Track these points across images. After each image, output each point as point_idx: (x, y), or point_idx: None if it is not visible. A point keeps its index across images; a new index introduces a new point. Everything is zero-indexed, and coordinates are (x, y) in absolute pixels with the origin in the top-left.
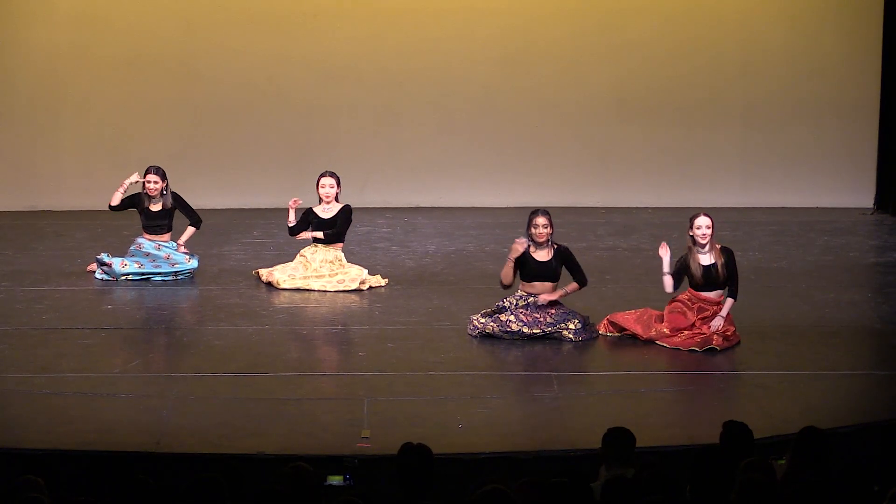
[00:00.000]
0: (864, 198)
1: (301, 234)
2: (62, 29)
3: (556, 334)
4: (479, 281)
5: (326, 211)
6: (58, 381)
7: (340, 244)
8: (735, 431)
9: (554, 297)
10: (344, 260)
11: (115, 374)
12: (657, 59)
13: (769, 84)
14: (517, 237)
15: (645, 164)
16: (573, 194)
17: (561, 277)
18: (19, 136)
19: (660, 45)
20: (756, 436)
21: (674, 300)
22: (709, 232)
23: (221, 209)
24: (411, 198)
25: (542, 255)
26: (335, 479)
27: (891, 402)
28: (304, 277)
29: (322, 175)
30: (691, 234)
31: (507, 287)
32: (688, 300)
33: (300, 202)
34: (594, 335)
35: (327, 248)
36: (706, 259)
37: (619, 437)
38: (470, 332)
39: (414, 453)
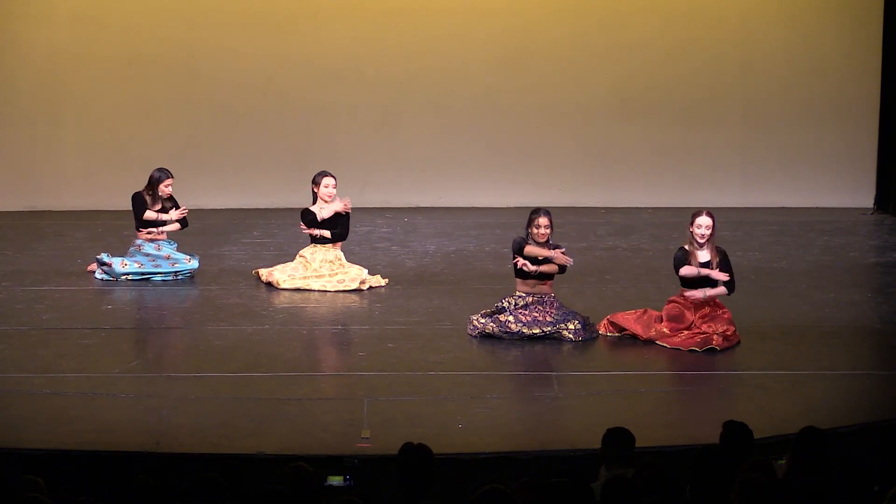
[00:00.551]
0: (864, 198)
1: (311, 230)
2: (62, 29)
3: (556, 334)
4: (479, 281)
5: (324, 210)
6: (58, 381)
7: (340, 244)
8: (735, 431)
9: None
10: (344, 260)
11: (115, 374)
12: (657, 59)
13: (769, 84)
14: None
15: (645, 164)
16: (573, 194)
17: (555, 278)
18: (19, 136)
19: (660, 45)
20: (756, 436)
21: (671, 300)
22: (708, 232)
23: (221, 209)
24: (411, 198)
25: (541, 254)
26: (335, 480)
27: (891, 402)
28: (304, 277)
29: (323, 175)
30: (691, 230)
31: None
32: (685, 299)
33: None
34: (594, 335)
35: (327, 248)
36: (704, 256)
37: (618, 437)
38: (470, 332)
39: (414, 453)
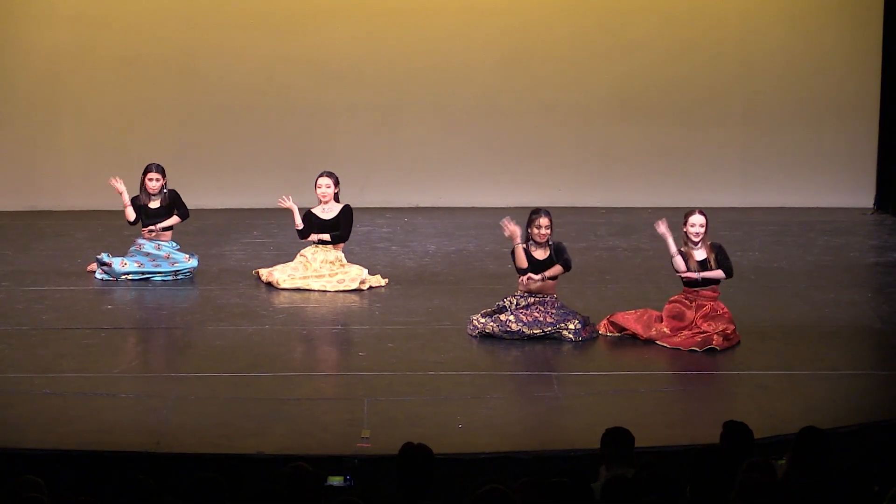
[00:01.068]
0: (864, 198)
1: (310, 237)
2: (62, 29)
3: (556, 334)
4: (479, 281)
5: (326, 211)
6: (58, 381)
7: (342, 244)
8: (735, 431)
9: (537, 278)
10: (344, 260)
11: (115, 374)
12: (657, 59)
13: (769, 84)
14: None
15: (645, 164)
16: (573, 194)
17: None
18: (19, 136)
19: (660, 45)
20: (756, 436)
21: (671, 300)
22: (702, 230)
23: (221, 209)
24: (411, 198)
25: (541, 254)
26: (335, 480)
27: (891, 402)
28: (304, 277)
29: (319, 175)
30: (685, 230)
31: (524, 272)
32: (685, 299)
33: (287, 202)
34: (594, 335)
35: (327, 249)
36: (700, 255)
37: (617, 437)
38: (470, 332)
39: (414, 453)
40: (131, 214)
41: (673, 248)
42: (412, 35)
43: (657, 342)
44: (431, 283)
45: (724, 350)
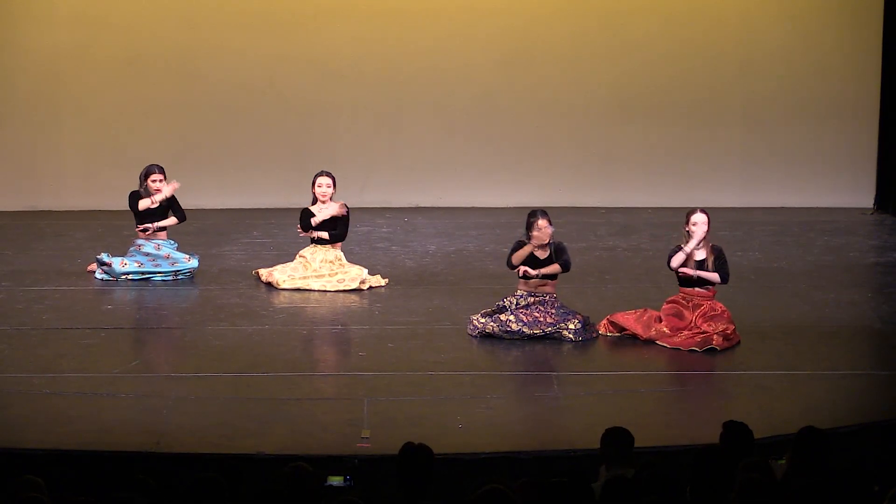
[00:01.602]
0: (864, 198)
1: (310, 232)
2: (62, 29)
3: (556, 334)
4: (479, 281)
5: (323, 211)
6: (58, 381)
7: (340, 244)
8: (735, 431)
9: (533, 273)
10: (344, 260)
11: (115, 374)
12: (657, 59)
13: (769, 84)
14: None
15: (645, 164)
16: (573, 194)
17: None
18: (19, 136)
19: (660, 45)
20: (756, 436)
21: (669, 300)
22: (704, 229)
23: (221, 209)
24: (411, 198)
25: (541, 253)
26: (335, 480)
27: (891, 402)
28: (304, 277)
29: (319, 174)
30: (686, 229)
31: (514, 268)
32: (683, 299)
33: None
34: (594, 335)
35: (327, 248)
36: (700, 254)
37: (617, 437)
38: (470, 332)
39: (414, 453)
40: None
41: (690, 247)
42: (412, 35)
43: (657, 342)
44: (431, 283)
45: (724, 350)
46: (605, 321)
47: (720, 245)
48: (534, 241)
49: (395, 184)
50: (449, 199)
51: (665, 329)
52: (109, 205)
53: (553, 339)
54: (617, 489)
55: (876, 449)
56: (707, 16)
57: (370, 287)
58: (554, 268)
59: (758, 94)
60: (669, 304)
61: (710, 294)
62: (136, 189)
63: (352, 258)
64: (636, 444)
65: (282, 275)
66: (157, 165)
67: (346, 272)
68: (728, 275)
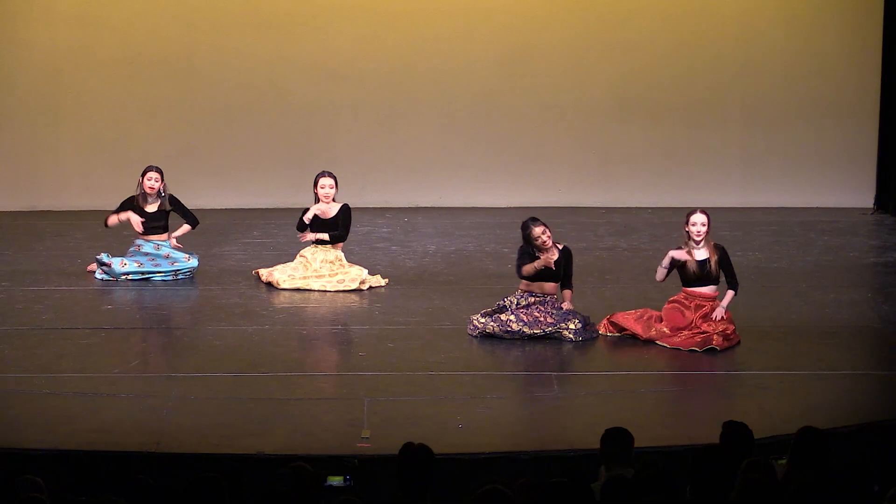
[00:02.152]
0: (864, 198)
1: (306, 235)
2: (62, 29)
3: (556, 334)
4: (479, 281)
5: (325, 211)
6: (58, 381)
7: (341, 244)
8: (735, 431)
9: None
10: (344, 260)
11: (115, 374)
12: (657, 59)
13: (769, 84)
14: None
15: (645, 164)
16: (573, 194)
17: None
18: (19, 136)
19: (660, 45)
20: (756, 436)
21: (671, 300)
22: (703, 229)
23: (221, 209)
24: (411, 198)
25: (552, 255)
26: (335, 480)
27: (891, 402)
28: (304, 277)
29: (321, 175)
30: (686, 229)
31: (524, 278)
32: (684, 299)
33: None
34: (594, 335)
35: (327, 249)
36: (701, 254)
37: (617, 437)
38: (470, 332)
39: (414, 453)
40: (113, 221)
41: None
42: (412, 35)
43: (657, 342)
44: (431, 283)
45: (724, 350)
46: (605, 321)
47: (722, 244)
48: (543, 258)
49: (395, 184)
50: (449, 199)
51: (665, 329)
52: (109, 205)
53: (553, 339)
54: (617, 489)
55: (876, 449)
56: (707, 16)
57: (370, 287)
58: (566, 294)
59: (758, 95)
60: (671, 304)
61: (714, 295)
62: (133, 195)
63: (352, 258)
64: (636, 444)
65: (282, 275)
66: (155, 166)
67: (346, 272)
68: (737, 283)
